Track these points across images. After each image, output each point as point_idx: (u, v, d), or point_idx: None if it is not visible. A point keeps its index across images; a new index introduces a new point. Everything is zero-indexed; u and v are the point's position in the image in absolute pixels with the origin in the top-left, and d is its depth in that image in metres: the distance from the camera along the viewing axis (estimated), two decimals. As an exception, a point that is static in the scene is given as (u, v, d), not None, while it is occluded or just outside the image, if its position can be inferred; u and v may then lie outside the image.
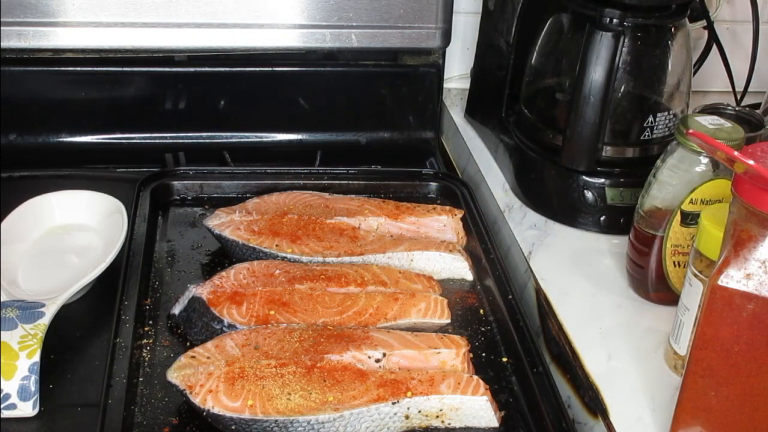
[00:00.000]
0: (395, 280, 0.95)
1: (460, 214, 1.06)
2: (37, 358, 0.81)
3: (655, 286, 0.94)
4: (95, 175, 1.19)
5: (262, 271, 0.93)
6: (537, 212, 1.10)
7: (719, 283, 0.68)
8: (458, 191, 1.14)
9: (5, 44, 1.14)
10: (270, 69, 1.26)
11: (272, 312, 0.88)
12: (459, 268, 1.01)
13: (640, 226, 0.92)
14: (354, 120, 1.31)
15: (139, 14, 1.16)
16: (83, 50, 1.20)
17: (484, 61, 1.28)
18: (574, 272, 1.00)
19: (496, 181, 1.18)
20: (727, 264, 0.68)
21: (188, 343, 0.88)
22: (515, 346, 0.89)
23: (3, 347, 0.81)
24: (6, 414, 0.80)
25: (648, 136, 1.05)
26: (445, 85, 1.37)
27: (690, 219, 0.87)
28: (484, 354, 0.90)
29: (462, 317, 0.95)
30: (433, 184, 1.16)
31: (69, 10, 1.14)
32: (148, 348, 0.87)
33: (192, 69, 1.24)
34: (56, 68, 1.21)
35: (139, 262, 0.96)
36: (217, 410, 0.76)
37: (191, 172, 1.13)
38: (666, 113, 1.05)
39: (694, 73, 1.23)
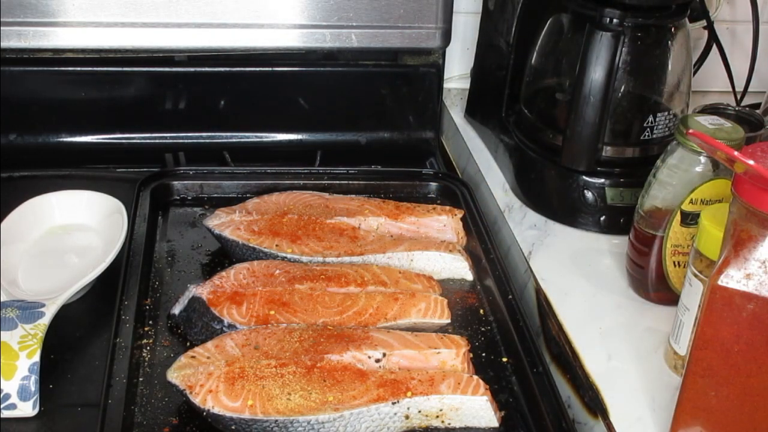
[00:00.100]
0: (395, 280, 0.95)
1: (460, 214, 1.06)
2: (37, 358, 0.81)
3: (655, 286, 0.94)
4: (95, 175, 1.19)
5: (262, 271, 0.93)
6: (537, 212, 1.10)
7: (719, 283, 0.68)
8: (458, 191, 1.14)
9: (5, 44, 1.14)
10: (270, 69, 1.26)
11: (272, 312, 0.88)
12: (459, 268, 1.00)
13: (640, 226, 0.92)
14: (354, 120, 1.31)
15: (139, 14, 1.16)
16: (83, 50, 1.20)
17: (484, 61, 1.28)
18: (574, 272, 1.00)
19: (496, 181, 1.18)
20: (727, 264, 0.68)
21: (188, 343, 0.88)
22: (515, 346, 0.89)
23: (3, 347, 0.81)
24: (6, 414, 0.80)
25: (648, 136, 1.05)
26: (445, 85, 1.37)
27: (690, 219, 0.87)
28: (484, 354, 0.90)
29: (462, 317, 0.95)
30: (433, 184, 1.16)
31: (69, 10, 1.14)
32: (148, 348, 0.87)
33: (192, 69, 1.24)
34: (56, 68, 1.21)
35: (139, 262, 0.96)
36: (217, 410, 0.76)
37: (191, 172, 1.13)
38: (666, 113, 1.05)
39: (694, 73, 1.23)
